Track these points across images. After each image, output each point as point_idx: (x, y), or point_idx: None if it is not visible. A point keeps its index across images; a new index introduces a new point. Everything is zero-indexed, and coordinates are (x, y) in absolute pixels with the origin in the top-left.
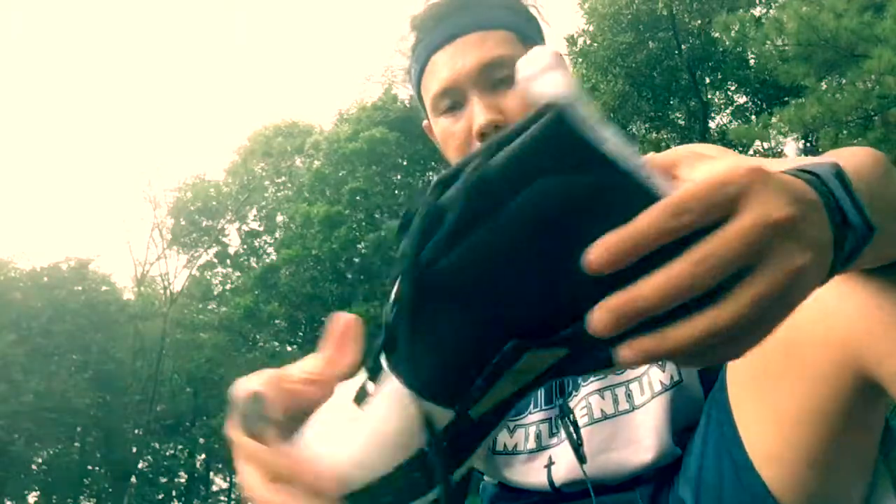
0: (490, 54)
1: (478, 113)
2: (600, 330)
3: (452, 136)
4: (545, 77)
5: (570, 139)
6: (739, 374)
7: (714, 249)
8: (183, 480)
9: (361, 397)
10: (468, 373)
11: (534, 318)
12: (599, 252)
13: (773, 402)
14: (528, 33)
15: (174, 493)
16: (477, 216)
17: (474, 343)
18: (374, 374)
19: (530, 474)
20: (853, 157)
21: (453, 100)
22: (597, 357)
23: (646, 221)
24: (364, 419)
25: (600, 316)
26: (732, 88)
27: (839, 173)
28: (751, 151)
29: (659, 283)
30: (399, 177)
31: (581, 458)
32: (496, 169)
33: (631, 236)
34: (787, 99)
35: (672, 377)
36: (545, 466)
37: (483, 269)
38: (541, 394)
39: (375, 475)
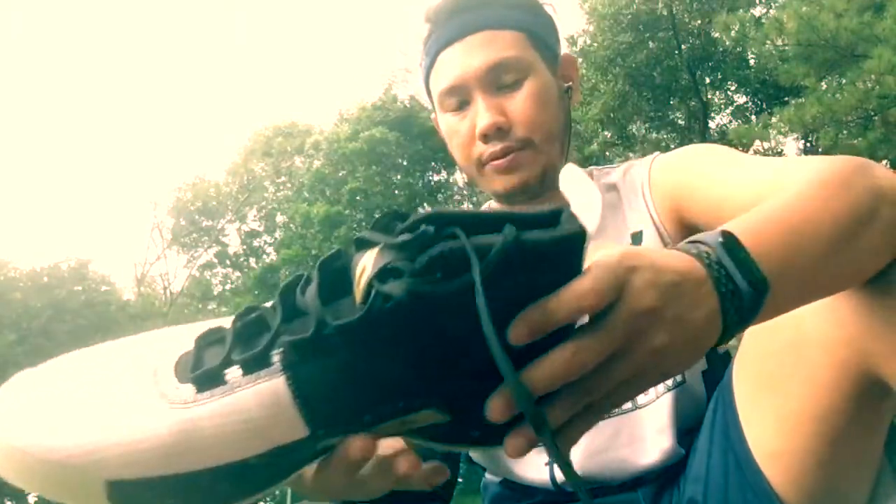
0: (497, 56)
1: (481, 114)
2: (497, 416)
3: (457, 133)
4: (590, 209)
5: (574, 258)
6: (746, 374)
7: (593, 340)
8: None
9: (209, 382)
10: (363, 405)
11: (456, 381)
12: (521, 325)
13: (778, 401)
14: (541, 35)
15: None
16: (492, 276)
17: (396, 382)
18: (257, 364)
19: (531, 470)
20: (790, 191)
21: (459, 98)
22: (469, 434)
23: (558, 302)
24: (206, 407)
25: (496, 403)
26: (732, 88)
27: (726, 242)
28: (751, 151)
29: (545, 369)
30: (399, 177)
31: (561, 467)
32: (529, 245)
33: (546, 310)
34: (787, 99)
35: (675, 378)
36: (546, 464)
37: (456, 319)
38: None
39: (187, 468)
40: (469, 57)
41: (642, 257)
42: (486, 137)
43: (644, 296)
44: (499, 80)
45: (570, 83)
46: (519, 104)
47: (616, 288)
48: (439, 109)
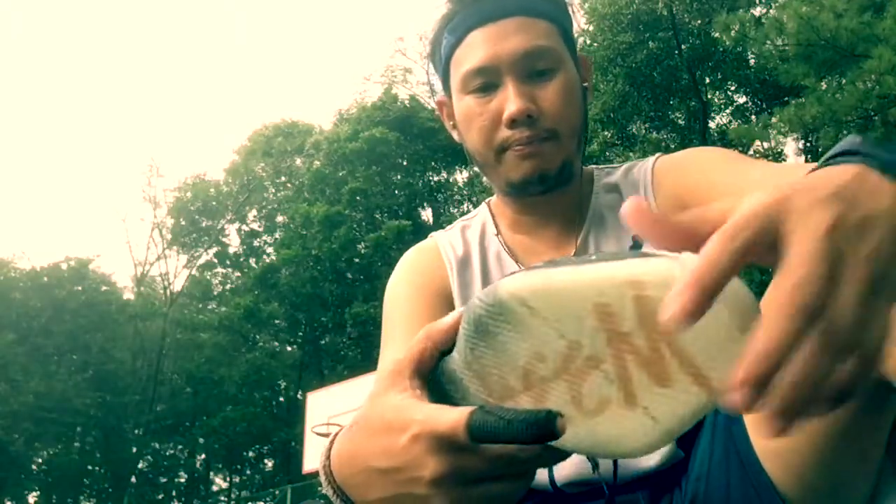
0: (533, 43)
1: (512, 99)
2: (741, 407)
3: (479, 116)
4: None
5: None
6: None
7: (796, 288)
8: (183, 480)
9: None
10: None
11: None
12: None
13: None
14: (567, 29)
15: (174, 493)
16: None
17: None
18: None
19: None
20: None
21: (487, 80)
22: None
23: (711, 251)
24: None
25: (741, 393)
26: (732, 88)
27: (863, 140)
28: (751, 151)
29: (772, 338)
30: (399, 177)
31: (595, 465)
32: None
33: (707, 265)
34: (787, 99)
35: None
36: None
37: None
38: None
39: None
40: (503, 40)
41: (788, 188)
42: (514, 123)
43: (814, 217)
44: (532, 67)
45: (587, 83)
46: (550, 95)
47: (769, 217)
48: (460, 89)
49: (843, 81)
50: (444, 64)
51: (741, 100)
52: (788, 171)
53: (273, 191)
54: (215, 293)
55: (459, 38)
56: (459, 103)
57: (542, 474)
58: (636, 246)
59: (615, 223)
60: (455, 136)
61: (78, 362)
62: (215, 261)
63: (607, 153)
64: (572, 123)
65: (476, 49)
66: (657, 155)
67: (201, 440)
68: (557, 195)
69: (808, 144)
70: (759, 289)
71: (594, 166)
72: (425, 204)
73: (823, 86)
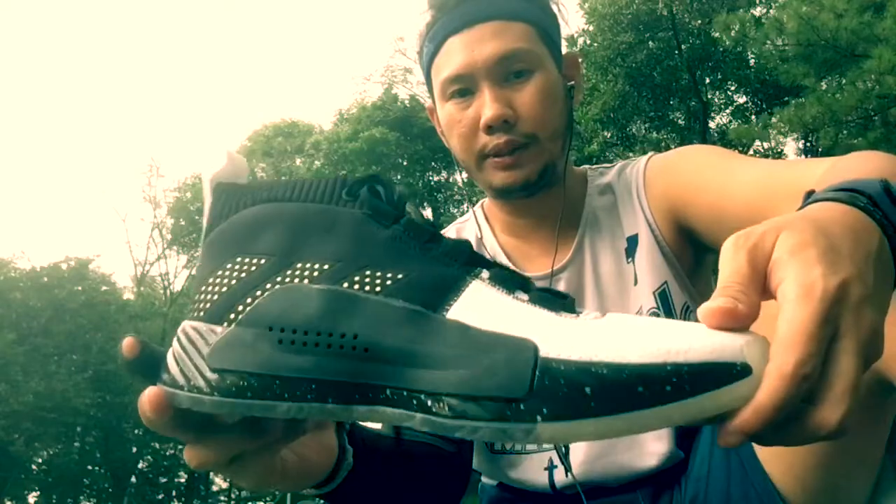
0: (508, 46)
1: (488, 105)
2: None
3: (459, 123)
4: None
5: None
6: None
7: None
8: (183, 480)
9: None
10: None
11: None
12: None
13: None
14: (548, 30)
15: (174, 493)
16: None
17: None
18: None
19: (530, 475)
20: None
21: (464, 86)
22: None
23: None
24: None
25: (732, 435)
26: (732, 88)
27: (887, 186)
28: (751, 151)
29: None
30: (399, 177)
31: (567, 468)
32: None
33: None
34: (787, 99)
35: None
36: (545, 469)
37: None
38: None
39: None
40: (479, 45)
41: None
42: (490, 129)
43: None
44: (507, 71)
45: (573, 82)
46: (526, 98)
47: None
48: (440, 97)
49: (843, 81)
50: (427, 72)
51: (741, 100)
52: (780, 170)
53: None
54: None
55: (438, 46)
56: (441, 110)
57: (540, 477)
58: (632, 246)
59: (609, 225)
60: (444, 141)
61: (78, 362)
62: None
63: (607, 153)
64: (552, 125)
65: (452, 56)
66: (649, 154)
67: None
68: (544, 197)
69: (808, 144)
70: None
71: (587, 167)
72: (425, 204)
73: (823, 86)
